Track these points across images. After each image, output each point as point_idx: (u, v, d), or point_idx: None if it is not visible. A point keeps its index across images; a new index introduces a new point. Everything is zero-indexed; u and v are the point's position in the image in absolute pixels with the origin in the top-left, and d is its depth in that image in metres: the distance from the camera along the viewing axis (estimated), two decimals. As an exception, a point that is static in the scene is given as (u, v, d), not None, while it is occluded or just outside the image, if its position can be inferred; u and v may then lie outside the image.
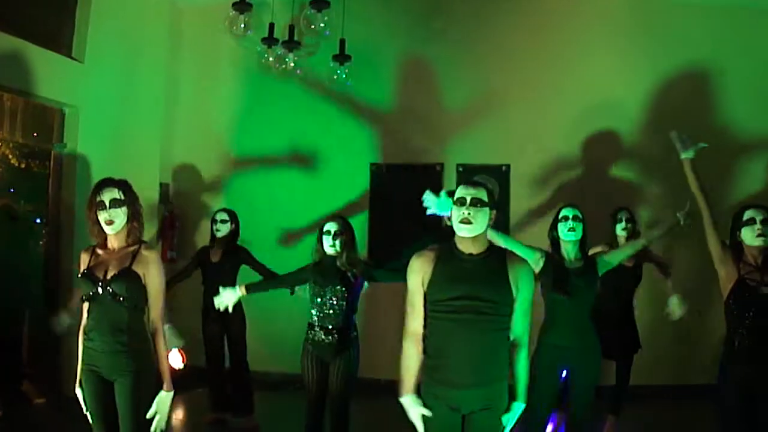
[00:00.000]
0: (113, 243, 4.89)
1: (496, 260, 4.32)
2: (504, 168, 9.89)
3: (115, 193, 4.85)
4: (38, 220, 8.84)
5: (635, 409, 7.80)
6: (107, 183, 4.90)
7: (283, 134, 10.30)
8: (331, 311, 6.24)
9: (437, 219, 8.78)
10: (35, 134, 8.63)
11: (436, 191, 9.58)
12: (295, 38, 8.69)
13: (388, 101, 10.11)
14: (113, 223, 4.79)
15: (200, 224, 10.32)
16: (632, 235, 7.52)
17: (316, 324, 6.27)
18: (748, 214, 5.14)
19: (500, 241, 5.75)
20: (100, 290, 4.72)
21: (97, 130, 9.02)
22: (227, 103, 10.41)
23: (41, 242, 8.83)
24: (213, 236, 8.17)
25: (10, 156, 8.69)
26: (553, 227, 6.11)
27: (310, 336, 6.27)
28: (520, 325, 4.35)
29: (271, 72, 8.96)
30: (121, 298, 4.70)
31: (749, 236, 5.09)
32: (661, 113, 9.64)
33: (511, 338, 4.37)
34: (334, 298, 6.25)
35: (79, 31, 8.88)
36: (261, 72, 9.65)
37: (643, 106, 9.74)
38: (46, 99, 8.49)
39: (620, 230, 7.58)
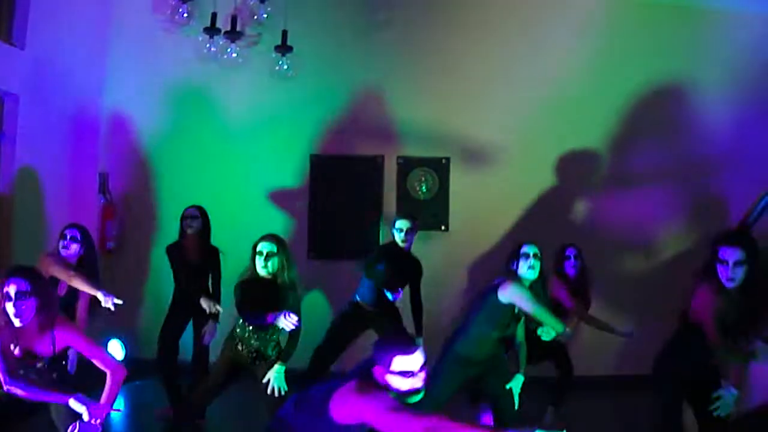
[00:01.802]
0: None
1: None
2: (444, 161, 10.17)
3: (18, 286, 4.72)
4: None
5: (577, 399, 8.04)
6: (15, 272, 4.81)
7: (223, 124, 10.38)
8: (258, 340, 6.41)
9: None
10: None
11: (377, 184, 9.84)
12: (237, 29, 8.83)
13: (330, 93, 10.27)
14: (21, 317, 4.74)
15: (138, 214, 10.40)
16: (580, 271, 7.94)
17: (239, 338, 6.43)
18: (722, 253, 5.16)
19: (530, 309, 5.93)
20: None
21: (37, 118, 9.06)
22: (167, 91, 10.42)
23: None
24: (183, 233, 8.20)
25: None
26: (513, 262, 6.22)
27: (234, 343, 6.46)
28: None
29: (213, 61, 9.07)
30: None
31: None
32: (604, 110, 10.04)
33: None
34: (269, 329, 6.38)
35: (18, 16, 8.89)
36: (202, 61, 9.77)
37: (587, 102, 10.06)
38: (-14, 87, 8.53)
39: (570, 267, 7.96)
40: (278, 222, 10.18)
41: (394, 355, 4.19)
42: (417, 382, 4.22)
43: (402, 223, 8.07)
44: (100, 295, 6.37)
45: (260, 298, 6.27)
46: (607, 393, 7.46)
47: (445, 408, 5.95)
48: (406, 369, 4.19)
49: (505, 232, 9.89)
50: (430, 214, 10.15)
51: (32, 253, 7.57)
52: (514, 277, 6.09)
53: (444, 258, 9.93)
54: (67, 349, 4.85)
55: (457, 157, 10.15)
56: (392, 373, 4.18)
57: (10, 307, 4.65)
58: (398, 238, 8.05)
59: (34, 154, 9.02)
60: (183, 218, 8.23)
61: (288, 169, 10.38)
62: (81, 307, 6.87)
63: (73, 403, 4.61)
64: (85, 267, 6.95)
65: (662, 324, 6.37)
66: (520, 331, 6.20)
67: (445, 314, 9.17)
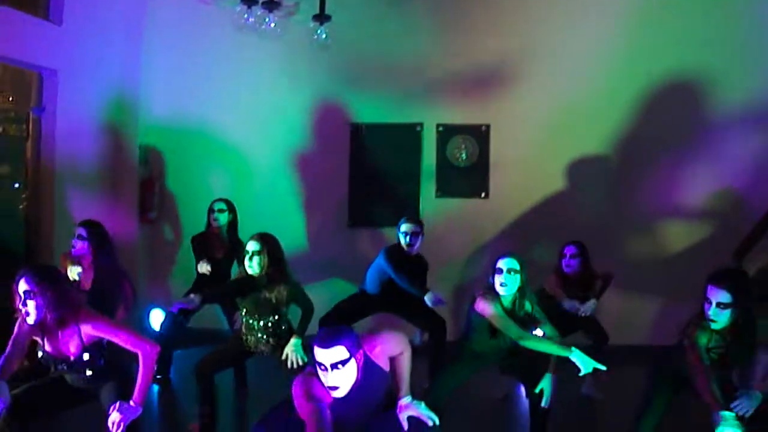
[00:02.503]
0: None
1: (370, 377, 4.48)
2: (484, 128, 10.14)
3: (25, 285, 4.82)
4: (16, 185, 9.05)
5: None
6: (24, 271, 4.89)
7: (263, 95, 10.45)
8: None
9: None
10: (12, 98, 8.82)
11: (416, 152, 9.86)
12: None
13: (369, 61, 10.28)
14: (29, 315, 4.86)
15: (177, 185, 10.58)
16: (582, 269, 7.92)
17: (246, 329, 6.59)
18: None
19: (499, 325, 5.92)
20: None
21: (76, 93, 9.23)
22: (205, 62, 10.52)
23: (21, 207, 9.04)
24: (209, 225, 8.33)
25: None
26: (491, 275, 6.13)
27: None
28: (392, 353, 4.62)
29: (250, 32, 9.12)
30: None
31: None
32: (650, 95, 9.91)
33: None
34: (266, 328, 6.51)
35: (55, -7, 9.05)
36: (239, 32, 9.83)
37: (625, 74, 9.91)
38: (24, 63, 8.68)
39: (564, 266, 7.95)
40: (318, 191, 10.35)
41: (314, 344, 4.30)
42: (328, 378, 4.26)
43: (407, 227, 8.04)
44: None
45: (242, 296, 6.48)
46: (643, 362, 7.43)
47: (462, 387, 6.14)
48: (319, 361, 4.26)
49: (545, 200, 9.90)
50: (470, 181, 10.17)
51: (72, 228, 7.73)
52: (490, 291, 6.04)
53: (483, 226, 10.02)
54: (99, 341, 4.94)
55: (498, 124, 10.11)
56: (316, 362, 4.30)
57: (21, 306, 4.81)
58: (402, 241, 8.03)
59: (74, 129, 9.20)
60: (210, 211, 8.35)
61: (328, 138, 10.44)
62: (128, 300, 6.99)
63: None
64: (97, 262, 7.05)
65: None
66: (545, 329, 6.15)
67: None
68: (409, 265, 7.98)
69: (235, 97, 10.45)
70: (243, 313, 6.51)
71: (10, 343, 4.92)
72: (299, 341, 6.31)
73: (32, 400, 5.19)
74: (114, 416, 4.64)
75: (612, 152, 9.88)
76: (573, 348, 5.63)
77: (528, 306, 6.05)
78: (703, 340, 4.99)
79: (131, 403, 4.70)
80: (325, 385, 4.26)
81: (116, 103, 10.04)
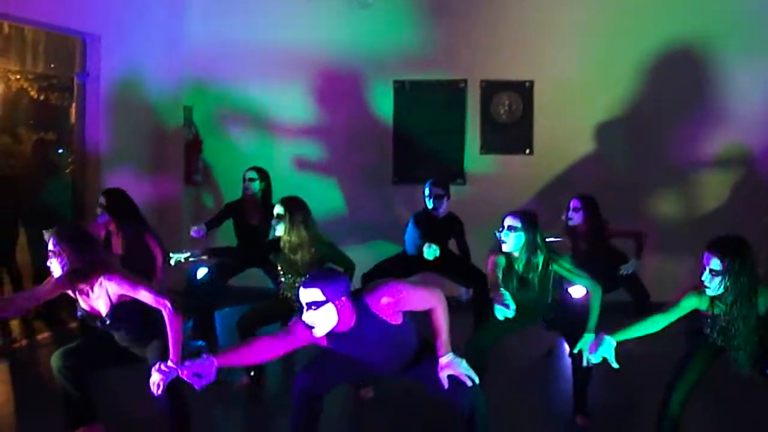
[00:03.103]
0: None
1: (368, 322, 4.56)
2: (527, 84, 10.15)
3: (50, 245, 5.05)
4: (60, 150, 9.23)
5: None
6: (52, 231, 5.11)
7: (306, 51, 10.49)
8: None
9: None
10: (54, 65, 8.98)
11: (460, 108, 9.91)
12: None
13: (412, 18, 10.32)
14: (53, 273, 5.09)
15: (221, 147, 10.72)
16: (588, 223, 7.84)
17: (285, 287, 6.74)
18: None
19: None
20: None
21: (119, 57, 9.38)
22: (247, 24, 10.61)
23: (67, 171, 9.23)
24: (244, 193, 8.42)
25: (29, 89, 9.06)
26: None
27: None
28: (423, 306, 4.61)
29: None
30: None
31: None
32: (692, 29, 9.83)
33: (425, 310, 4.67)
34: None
35: (96, -43, 9.18)
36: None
37: (669, 29, 9.87)
38: (67, 29, 8.82)
39: (566, 219, 7.93)
40: (363, 149, 10.45)
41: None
42: (304, 316, 4.44)
43: (430, 190, 8.10)
44: None
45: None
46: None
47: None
48: (300, 300, 4.46)
49: (589, 156, 9.91)
50: (514, 138, 10.21)
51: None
52: (498, 248, 6.04)
53: (527, 182, 10.06)
54: (130, 300, 5.09)
55: (542, 80, 10.12)
56: None
57: (48, 263, 5.06)
58: (428, 204, 8.11)
59: (118, 93, 9.35)
60: (243, 179, 8.42)
61: (371, 96, 10.50)
62: (158, 263, 7.11)
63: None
64: (120, 228, 7.18)
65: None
66: (583, 283, 6.09)
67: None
68: (438, 228, 8.05)
69: (275, 58, 10.50)
70: (280, 273, 6.66)
71: (30, 290, 5.14)
72: None
73: (85, 353, 5.45)
74: (153, 377, 4.76)
75: (649, 108, 9.87)
76: (590, 333, 5.69)
77: (539, 264, 5.95)
78: (692, 302, 4.96)
79: (169, 363, 4.81)
80: (305, 321, 4.47)
81: (160, 65, 10.17)
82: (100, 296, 5.06)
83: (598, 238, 7.79)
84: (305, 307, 4.40)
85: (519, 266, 5.93)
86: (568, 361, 6.32)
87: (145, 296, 4.94)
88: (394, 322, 4.55)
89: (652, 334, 4.92)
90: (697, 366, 5.02)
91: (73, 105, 9.27)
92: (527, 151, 10.18)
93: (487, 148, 10.28)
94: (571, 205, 7.84)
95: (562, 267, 5.91)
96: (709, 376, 5.03)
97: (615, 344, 4.92)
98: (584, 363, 5.60)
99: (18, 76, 10.58)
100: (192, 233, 8.06)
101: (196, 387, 4.53)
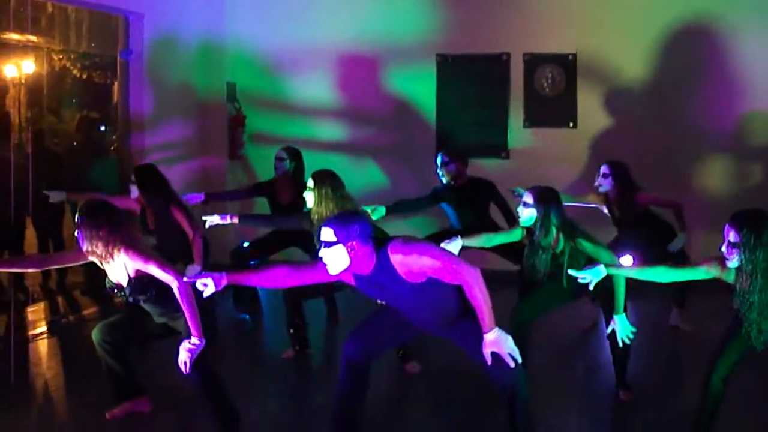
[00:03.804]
0: None
1: (384, 272, 4.60)
2: (570, 57, 10.14)
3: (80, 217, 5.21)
4: (104, 128, 9.37)
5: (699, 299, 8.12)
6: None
7: (347, 26, 10.59)
8: None
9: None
10: (96, 44, 9.11)
11: (502, 83, 9.94)
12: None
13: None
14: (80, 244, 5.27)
15: (264, 122, 10.82)
16: (618, 189, 7.74)
17: None
18: None
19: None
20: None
21: (161, 35, 9.51)
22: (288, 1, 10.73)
23: (111, 148, 9.39)
24: (275, 172, 8.48)
25: (72, 68, 9.20)
26: None
27: None
28: (454, 278, 4.54)
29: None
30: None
31: None
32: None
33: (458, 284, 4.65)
34: None
35: (139, -63, 9.30)
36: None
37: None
38: (110, 7, 8.95)
39: (597, 186, 7.86)
40: (406, 124, 10.51)
41: None
42: (321, 253, 4.54)
43: (438, 159, 8.18)
44: None
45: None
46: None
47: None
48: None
49: (633, 128, 9.86)
50: (558, 111, 10.22)
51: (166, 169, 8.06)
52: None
53: (571, 155, 10.04)
54: (147, 275, 5.20)
55: (584, 53, 10.10)
56: None
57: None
58: (439, 176, 8.17)
59: (161, 70, 9.48)
60: (275, 159, 8.48)
61: (414, 70, 10.55)
62: (196, 243, 7.22)
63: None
64: (149, 208, 7.33)
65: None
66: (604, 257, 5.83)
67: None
68: (464, 197, 8.09)
69: (316, 34, 10.59)
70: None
71: (55, 253, 5.40)
72: None
73: (124, 327, 5.64)
74: (180, 356, 4.90)
75: (693, 78, 9.84)
76: (620, 314, 5.67)
77: (554, 240, 5.93)
78: (710, 271, 4.96)
79: (192, 338, 4.92)
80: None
81: (202, 42, 10.32)
82: (120, 269, 5.20)
83: (629, 205, 7.71)
84: (322, 245, 4.51)
85: (541, 241, 5.95)
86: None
87: (154, 271, 5.03)
88: (410, 280, 4.55)
89: (701, 311, 4.90)
90: (739, 343, 5.01)
91: (116, 83, 9.42)
92: (571, 124, 10.17)
93: (530, 121, 10.30)
94: (601, 171, 7.79)
95: (581, 244, 5.82)
96: (753, 352, 5.03)
97: (605, 273, 5.13)
98: (619, 344, 5.68)
99: (61, 56, 10.75)
100: (189, 198, 8.19)
101: (203, 294, 4.75)
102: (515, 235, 6.22)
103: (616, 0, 9.96)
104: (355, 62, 10.60)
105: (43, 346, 7.73)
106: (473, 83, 10.42)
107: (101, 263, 5.27)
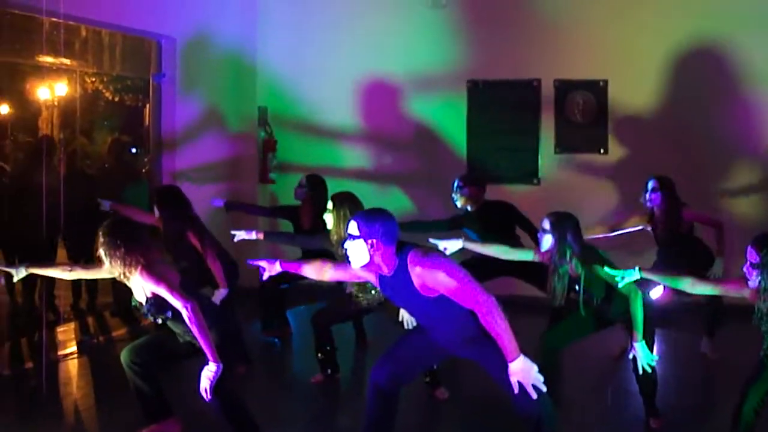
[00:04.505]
0: None
1: (401, 278, 4.61)
2: (602, 83, 10.18)
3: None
4: (133, 150, 9.47)
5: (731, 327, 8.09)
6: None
7: (378, 52, 10.68)
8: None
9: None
10: (129, 67, 9.25)
11: (533, 108, 9.97)
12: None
13: (484, 18, 10.42)
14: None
15: (295, 146, 10.88)
16: (666, 205, 7.73)
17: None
18: None
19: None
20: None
21: (194, 59, 9.63)
22: (320, 28, 10.80)
23: (143, 171, 9.49)
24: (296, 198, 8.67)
25: (105, 90, 9.32)
26: None
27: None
28: (468, 301, 4.48)
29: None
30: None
31: None
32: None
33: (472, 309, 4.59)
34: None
35: (173, -38, 9.43)
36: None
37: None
38: (143, 32, 9.08)
39: (647, 201, 7.83)
40: (436, 150, 10.57)
41: None
42: (347, 245, 4.62)
43: (454, 184, 8.20)
44: None
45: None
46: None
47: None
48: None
49: (664, 154, 9.78)
50: (589, 137, 10.25)
51: (197, 191, 8.16)
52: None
53: (602, 182, 10.08)
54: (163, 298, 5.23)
55: (615, 79, 10.13)
56: None
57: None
58: (453, 199, 8.22)
59: (193, 94, 9.59)
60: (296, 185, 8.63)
61: (444, 95, 10.62)
62: (215, 267, 7.27)
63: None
64: (164, 229, 7.38)
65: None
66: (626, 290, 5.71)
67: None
68: (481, 220, 8.10)
69: (347, 61, 10.69)
70: None
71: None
72: None
73: (153, 348, 5.70)
74: (201, 383, 4.96)
75: (727, 104, 9.84)
76: (639, 341, 5.63)
77: (564, 265, 5.89)
78: (736, 290, 5.02)
79: (210, 365, 4.95)
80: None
81: (234, 67, 10.44)
82: (139, 288, 5.26)
83: (675, 221, 7.70)
84: (348, 238, 4.59)
85: (558, 267, 5.95)
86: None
87: (164, 294, 5.07)
88: (423, 293, 4.53)
89: (729, 337, 4.91)
90: None
91: (148, 105, 9.54)
92: (602, 150, 10.20)
93: (561, 147, 10.33)
94: (650, 186, 7.77)
95: (597, 270, 5.73)
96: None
97: (639, 275, 5.21)
98: (640, 371, 5.68)
99: (94, 78, 10.89)
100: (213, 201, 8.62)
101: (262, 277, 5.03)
102: (526, 255, 6.27)
103: (647, 26, 9.97)
104: (385, 88, 10.68)
105: (72, 365, 7.80)
106: (504, 109, 10.46)
107: (126, 281, 5.33)
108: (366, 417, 5.00)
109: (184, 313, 4.97)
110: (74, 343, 8.29)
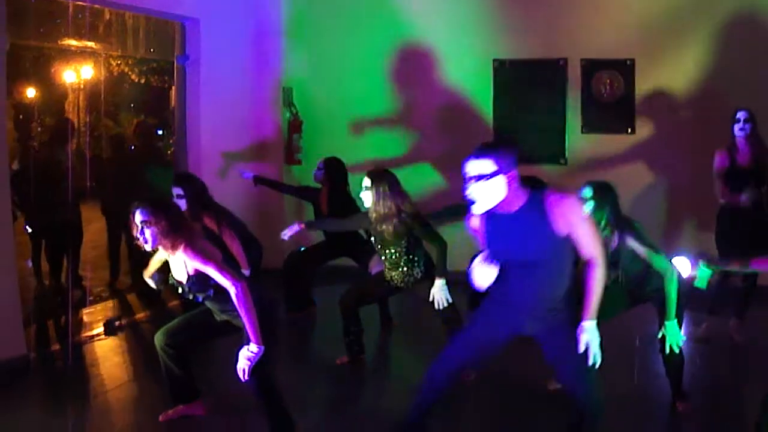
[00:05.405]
0: None
1: (532, 213, 4.44)
2: (628, 62, 10.08)
3: (141, 216, 5.11)
4: (159, 132, 9.48)
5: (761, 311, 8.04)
6: (139, 203, 5.19)
7: (404, 30, 10.63)
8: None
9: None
10: (154, 49, 9.24)
11: (560, 88, 9.89)
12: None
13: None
14: (147, 243, 5.16)
15: (323, 126, 10.87)
16: (750, 135, 7.66)
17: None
18: None
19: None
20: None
21: (218, 40, 9.62)
22: (342, 6, 10.80)
23: (169, 152, 9.49)
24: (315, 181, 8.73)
25: (130, 73, 9.34)
26: None
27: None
28: (589, 248, 4.47)
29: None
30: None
31: None
32: None
33: (584, 259, 4.52)
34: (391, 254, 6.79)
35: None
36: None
37: None
38: (167, 14, 9.06)
39: (738, 131, 7.72)
40: (462, 130, 10.46)
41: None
42: (469, 189, 4.38)
43: None
44: None
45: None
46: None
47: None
48: (465, 171, 4.41)
49: (692, 134, 9.71)
50: (616, 117, 10.15)
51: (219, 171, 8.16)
52: None
53: (629, 161, 9.98)
54: (206, 276, 5.15)
55: (642, 58, 10.03)
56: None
57: (139, 234, 5.16)
58: None
59: (218, 76, 9.60)
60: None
61: (471, 75, 10.56)
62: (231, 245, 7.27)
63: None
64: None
65: None
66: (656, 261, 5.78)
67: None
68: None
69: (369, 39, 10.68)
70: (378, 248, 6.82)
71: None
72: (443, 281, 6.50)
73: (187, 330, 5.69)
74: (239, 363, 4.91)
75: (753, 81, 9.68)
76: (671, 321, 5.62)
77: (608, 237, 5.76)
78: None
79: (251, 345, 4.90)
80: (467, 196, 4.41)
81: (259, 47, 10.45)
82: (180, 265, 5.22)
83: (762, 173, 7.64)
84: (472, 180, 4.36)
85: None
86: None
87: (213, 273, 5.02)
88: (554, 229, 4.37)
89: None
90: None
91: (173, 88, 9.54)
92: (629, 130, 10.10)
93: (588, 127, 10.24)
94: (741, 116, 7.71)
95: (632, 241, 5.71)
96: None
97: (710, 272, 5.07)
98: (667, 351, 5.62)
99: (119, 61, 10.91)
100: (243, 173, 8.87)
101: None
102: None
103: (674, 4, 9.85)
104: (411, 67, 10.63)
105: (99, 347, 7.83)
106: (530, 89, 10.38)
107: (169, 257, 5.29)
108: (417, 402, 4.91)
109: (233, 292, 4.92)
110: (100, 324, 8.30)
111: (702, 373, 6.75)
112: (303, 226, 7.21)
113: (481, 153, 4.36)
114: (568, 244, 4.44)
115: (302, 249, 8.46)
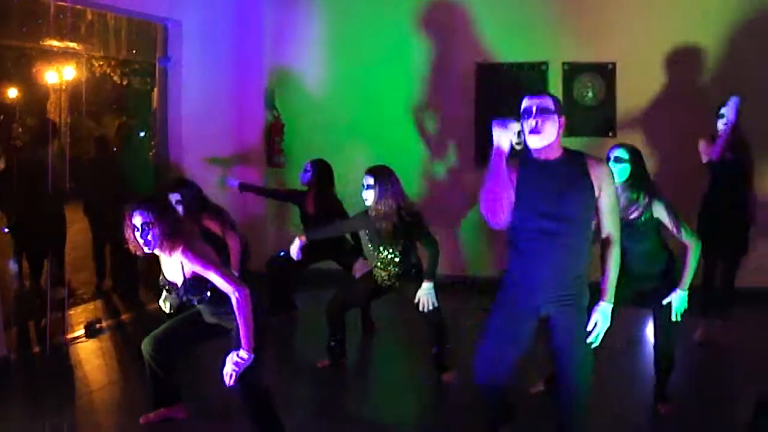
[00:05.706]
0: None
1: (570, 165, 4.54)
2: (610, 66, 10.11)
3: (140, 218, 5.03)
4: (142, 134, 9.46)
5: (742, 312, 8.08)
6: (138, 205, 5.10)
7: (387, 34, 10.63)
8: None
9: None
10: (136, 51, 9.22)
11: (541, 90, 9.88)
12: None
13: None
14: (148, 245, 5.07)
15: (303, 128, 10.87)
16: (735, 130, 7.72)
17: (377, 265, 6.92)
18: None
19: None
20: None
21: (200, 42, 9.62)
22: (325, 9, 10.82)
23: (150, 154, 9.47)
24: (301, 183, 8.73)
25: (112, 74, 9.31)
26: None
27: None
28: (609, 223, 4.57)
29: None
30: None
31: None
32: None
33: (603, 236, 4.60)
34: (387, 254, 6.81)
35: (179, -56, 9.41)
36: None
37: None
38: (149, 15, 9.05)
39: (720, 125, 7.80)
40: (445, 133, 10.55)
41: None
42: (530, 122, 4.47)
43: None
44: None
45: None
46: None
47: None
48: (527, 106, 4.54)
49: (674, 138, 9.72)
50: (597, 120, 10.20)
51: (199, 175, 8.13)
52: None
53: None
54: (202, 277, 5.08)
55: (624, 62, 10.06)
56: (522, 112, 4.56)
57: (138, 237, 5.05)
58: None
59: (199, 78, 9.58)
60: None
61: (453, 77, 10.57)
62: (232, 244, 7.28)
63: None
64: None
65: None
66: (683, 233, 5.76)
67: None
68: None
69: (353, 42, 10.70)
70: (369, 245, 6.89)
71: None
72: (431, 285, 6.54)
73: (176, 336, 5.66)
74: (226, 368, 4.84)
75: (733, 87, 9.67)
76: (683, 290, 5.67)
77: (639, 203, 5.70)
78: None
79: (241, 352, 4.84)
80: (526, 130, 4.50)
81: (241, 50, 10.44)
82: (176, 267, 5.16)
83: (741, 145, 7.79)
84: (533, 113, 4.47)
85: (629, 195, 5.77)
86: (650, 349, 6.24)
87: (214, 278, 4.96)
88: (589, 184, 4.49)
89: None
90: None
91: (155, 90, 9.51)
92: (610, 133, 10.13)
93: (569, 130, 10.16)
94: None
95: (661, 212, 5.70)
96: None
97: None
98: (673, 318, 5.62)
99: (101, 62, 10.86)
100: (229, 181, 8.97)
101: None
102: None
103: (656, 8, 9.90)
104: (393, 69, 10.62)
105: (81, 349, 7.81)
106: (511, 92, 10.37)
107: (162, 257, 5.25)
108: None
109: (234, 299, 4.86)
110: (82, 326, 8.27)
111: (688, 375, 6.74)
112: (304, 239, 7.10)
113: (542, 92, 4.65)
114: (593, 214, 4.57)
115: (281, 254, 8.45)
